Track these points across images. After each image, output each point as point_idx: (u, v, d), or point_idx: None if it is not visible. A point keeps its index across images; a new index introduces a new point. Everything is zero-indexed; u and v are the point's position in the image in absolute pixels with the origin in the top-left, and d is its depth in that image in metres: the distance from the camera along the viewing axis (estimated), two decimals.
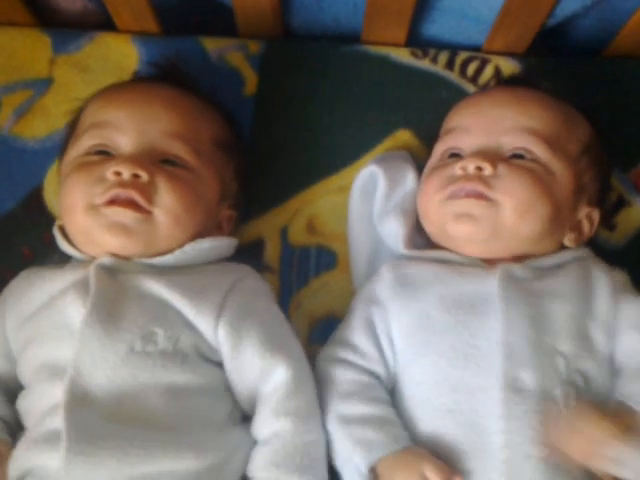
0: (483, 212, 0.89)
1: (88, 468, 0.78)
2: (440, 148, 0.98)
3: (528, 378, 0.82)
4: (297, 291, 1.03)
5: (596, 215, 0.97)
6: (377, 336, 0.91)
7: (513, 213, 0.89)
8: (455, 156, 0.96)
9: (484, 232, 0.90)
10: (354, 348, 0.91)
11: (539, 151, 0.92)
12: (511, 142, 0.92)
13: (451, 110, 1.01)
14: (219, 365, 0.88)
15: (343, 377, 0.89)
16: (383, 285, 0.93)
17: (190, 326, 0.87)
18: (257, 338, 0.87)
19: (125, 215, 0.88)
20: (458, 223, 0.91)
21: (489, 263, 0.92)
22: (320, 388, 0.89)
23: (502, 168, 0.90)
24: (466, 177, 0.91)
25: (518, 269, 0.90)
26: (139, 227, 0.88)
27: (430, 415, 0.85)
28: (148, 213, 0.89)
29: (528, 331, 0.85)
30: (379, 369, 0.90)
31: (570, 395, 0.82)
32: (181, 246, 0.91)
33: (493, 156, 0.91)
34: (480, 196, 0.90)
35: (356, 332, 0.91)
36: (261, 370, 0.87)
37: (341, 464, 0.86)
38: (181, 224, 0.91)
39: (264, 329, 0.89)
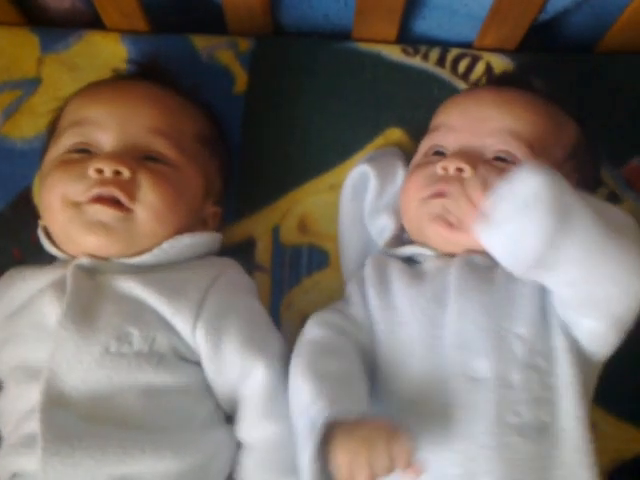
0: (462, 214, 0.87)
1: (66, 469, 0.78)
2: (425, 145, 0.98)
3: (483, 366, 0.82)
4: (289, 291, 1.03)
5: None
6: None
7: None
8: (439, 154, 0.95)
9: (460, 235, 0.89)
10: (347, 315, 0.90)
11: (521, 155, 0.91)
12: (494, 144, 0.92)
13: (438, 109, 1.01)
14: (198, 365, 0.87)
15: (322, 333, 0.88)
16: (366, 277, 0.94)
17: (167, 326, 0.86)
18: (236, 338, 0.86)
19: (106, 214, 0.87)
20: (434, 224, 0.91)
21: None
22: (296, 343, 0.88)
23: (482, 171, 0.89)
24: (445, 179, 0.90)
25: (477, 257, 0.89)
26: (119, 225, 0.88)
27: (398, 407, 0.84)
28: (129, 211, 0.88)
29: (481, 319, 0.84)
30: (364, 338, 0.89)
31: (532, 379, 0.81)
32: (162, 243, 0.90)
33: (475, 157, 0.91)
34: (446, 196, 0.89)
35: (352, 304, 0.92)
36: (241, 370, 0.86)
37: (296, 417, 0.82)
38: (163, 221, 0.90)
39: (244, 328, 0.87)
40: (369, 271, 0.94)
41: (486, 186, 0.78)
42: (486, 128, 0.93)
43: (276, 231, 1.05)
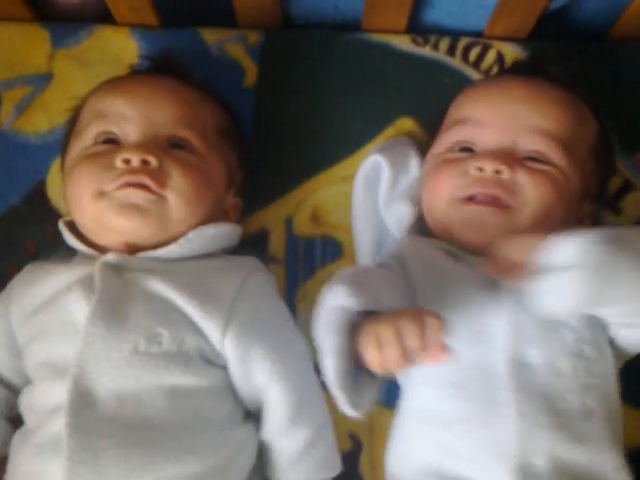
0: (497, 220, 0.88)
1: (90, 478, 0.78)
2: (449, 138, 0.96)
3: (534, 353, 0.83)
4: (303, 282, 1.03)
5: (596, 211, 0.97)
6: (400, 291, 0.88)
7: (530, 220, 0.88)
8: (466, 150, 0.94)
9: (495, 238, 0.87)
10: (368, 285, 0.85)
11: (554, 155, 0.90)
12: (527, 143, 0.91)
13: (461, 97, 0.99)
14: (221, 368, 0.88)
15: (348, 299, 0.80)
16: (396, 254, 0.92)
17: (196, 329, 0.85)
18: (266, 347, 0.86)
19: (137, 196, 0.87)
20: (467, 229, 0.90)
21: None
22: (322, 311, 0.82)
23: (521, 172, 0.89)
24: (482, 181, 0.89)
25: None
26: (152, 208, 0.88)
27: (438, 391, 0.85)
28: (160, 196, 0.88)
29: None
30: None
31: (579, 367, 0.82)
32: (187, 233, 0.90)
33: (510, 157, 0.90)
34: (498, 203, 0.88)
35: (393, 272, 0.89)
36: (270, 376, 0.86)
37: (326, 311, 0.81)
38: (193, 207, 0.90)
39: (273, 337, 0.88)
40: (409, 250, 0.92)
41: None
42: (517, 126, 0.91)
43: (289, 223, 1.05)
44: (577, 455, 0.80)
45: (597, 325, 0.85)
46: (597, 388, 0.83)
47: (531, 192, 0.88)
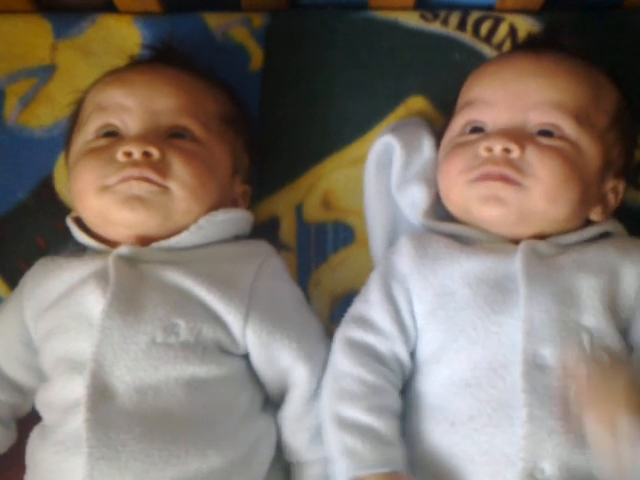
0: (511, 196, 0.86)
1: (112, 473, 0.78)
2: (460, 121, 0.94)
3: (549, 354, 0.80)
4: (315, 269, 1.02)
5: (621, 187, 0.93)
6: (398, 311, 0.88)
7: (543, 198, 0.86)
8: (477, 130, 0.92)
9: (512, 216, 0.87)
10: (374, 327, 0.88)
11: (568, 127, 0.88)
12: (538, 118, 0.88)
13: (470, 78, 0.97)
14: (238, 357, 0.87)
15: (350, 370, 0.86)
16: (402, 257, 0.91)
17: (213, 318, 0.85)
18: (289, 331, 0.87)
19: (140, 187, 0.87)
20: (485, 206, 0.88)
21: (511, 240, 0.89)
22: (327, 371, 0.88)
23: (531, 150, 0.86)
24: (493, 160, 0.87)
25: (542, 245, 0.87)
26: (156, 199, 0.87)
27: (449, 391, 0.84)
28: (164, 187, 0.87)
29: (551, 307, 0.82)
30: (400, 348, 0.88)
31: (595, 372, 0.79)
32: (197, 221, 0.90)
33: (520, 135, 0.87)
34: (508, 180, 0.86)
35: (376, 309, 0.89)
36: (297, 355, 0.87)
37: (330, 458, 0.85)
38: (197, 197, 0.89)
39: (294, 320, 0.89)
40: (409, 252, 0.90)
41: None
42: (527, 101, 0.89)
43: (299, 209, 1.04)
44: (587, 461, 0.78)
45: (617, 330, 0.83)
46: None
47: (542, 169, 0.86)
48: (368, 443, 0.82)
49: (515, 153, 0.86)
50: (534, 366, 0.80)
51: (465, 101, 0.95)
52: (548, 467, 0.77)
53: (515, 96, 0.89)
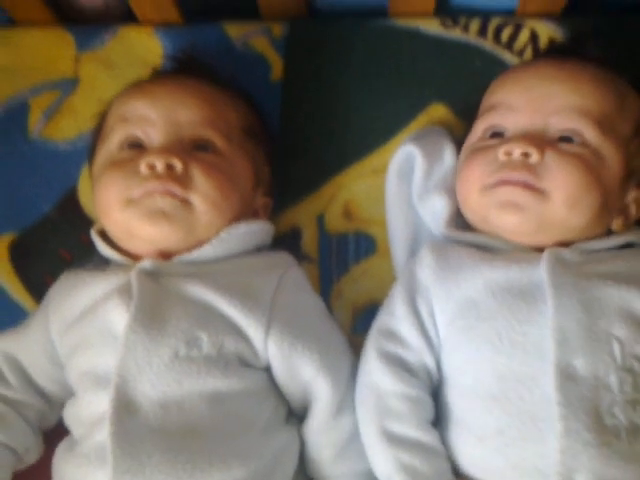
0: (530, 202, 0.85)
1: None
2: (481, 126, 0.93)
3: (581, 365, 0.79)
4: (337, 280, 1.01)
5: None
6: (423, 325, 0.88)
7: (562, 205, 0.85)
8: (497, 135, 0.91)
9: (530, 224, 0.86)
10: (402, 341, 0.88)
11: (590, 134, 0.86)
12: (560, 123, 0.87)
13: (493, 84, 0.96)
14: (259, 370, 0.87)
15: (393, 388, 0.85)
16: (424, 269, 0.90)
17: (235, 331, 0.85)
18: (311, 343, 0.87)
19: (164, 202, 0.87)
20: (503, 213, 0.87)
21: (534, 248, 0.88)
22: (365, 388, 0.87)
23: (550, 155, 0.85)
24: (511, 165, 0.86)
25: (566, 252, 0.86)
26: (178, 213, 0.87)
27: (475, 404, 0.83)
28: (185, 201, 0.88)
29: (581, 316, 0.81)
30: (428, 360, 0.87)
31: (626, 381, 0.79)
32: (219, 234, 0.90)
33: (540, 140, 0.86)
34: (527, 186, 0.85)
35: (402, 322, 0.88)
36: (318, 367, 0.86)
37: (380, 475, 0.85)
38: (219, 210, 0.89)
39: (316, 332, 0.89)
40: (430, 263, 0.90)
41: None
42: (550, 106, 0.87)
43: (321, 219, 1.04)
44: (622, 475, 0.76)
45: None
46: None
47: (561, 175, 0.84)
48: (424, 459, 0.82)
49: (534, 158, 0.85)
50: (567, 377, 0.78)
51: (487, 106, 0.94)
52: None
53: (537, 101, 0.88)
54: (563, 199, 0.84)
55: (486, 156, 0.88)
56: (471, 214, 0.93)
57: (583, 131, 0.86)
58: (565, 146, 0.86)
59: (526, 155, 0.85)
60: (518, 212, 0.86)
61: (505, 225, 0.88)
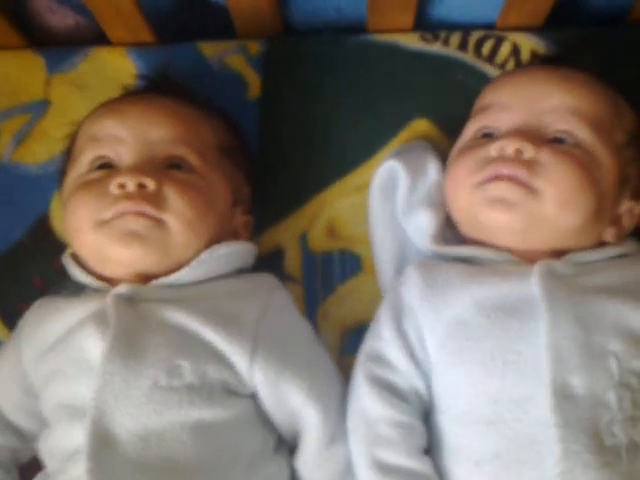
0: (520, 199, 0.82)
1: None
2: (472, 127, 0.90)
3: (577, 383, 0.76)
4: (324, 300, 0.98)
5: (638, 209, 0.89)
6: (411, 347, 0.84)
7: (554, 204, 0.82)
8: (489, 136, 0.88)
9: (520, 221, 0.83)
10: (390, 365, 0.84)
11: (584, 135, 0.84)
12: (554, 123, 0.85)
13: (485, 88, 0.94)
14: (246, 397, 0.84)
15: (383, 414, 0.82)
16: (410, 288, 0.87)
17: (219, 358, 0.81)
18: (299, 370, 0.84)
19: (136, 223, 0.83)
20: (491, 210, 0.83)
21: (525, 259, 0.85)
22: (355, 415, 0.84)
23: (546, 153, 0.83)
24: (503, 159, 0.83)
25: (558, 265, 0.83)
26: (152, 234, 0.84)
27: (470, 429, 0.80)
28: (159, 221, 0.84)
29: (576, 332, 0.78)
30: (419, 384, 0.84)
31: (624, 398, 0.76)
32: (197, 256, 0.87)
33: (534, 137, 0.84)
34: (518, 182, 0.82)
35: (389, 346, 0.85)
36: (307, 395, 0.83)
37: None
38: (194, 229, 0.86)
39: (303, 358, 0.86)
40: (417, 283, 0.87)
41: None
42: (544, 106, 0.85)
43: (304, 238, 1.01)
44: None
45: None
46: None
47: (555, 172, 0.82)
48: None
49: (528, 153, 0.82)
50: (563, 397, 0.75)
51: (479, 107, 0.92)
52: None
53: (531, 101, 0.86)
54: (555, 197, 0.82)
55: (477, 154, 0.86)
56: (460, 214, 0.90)
57: (578, 132, 0.84)
58: (560, 145, 0.84)
59: (519, 151, 0.83)
60: (507, 210, 0.83)
61: (493, 223, 0.85)
